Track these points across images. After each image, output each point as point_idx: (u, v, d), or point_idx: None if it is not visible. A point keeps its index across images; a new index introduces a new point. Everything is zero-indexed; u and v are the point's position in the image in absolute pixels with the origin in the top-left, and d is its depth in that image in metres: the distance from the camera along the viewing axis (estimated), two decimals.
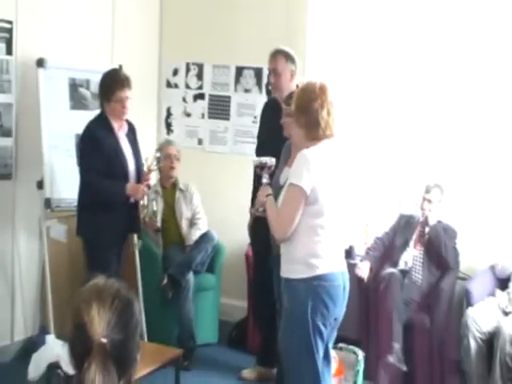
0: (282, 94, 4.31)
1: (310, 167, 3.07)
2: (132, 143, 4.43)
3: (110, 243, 4.31)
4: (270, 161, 3.51)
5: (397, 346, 4.47)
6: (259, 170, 3.51)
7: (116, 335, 1.55)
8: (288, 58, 4.46)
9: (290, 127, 3.50)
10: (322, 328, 3.15)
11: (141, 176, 4.40)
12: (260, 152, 4.38)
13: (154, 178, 4.84)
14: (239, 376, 4.77)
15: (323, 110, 3.12)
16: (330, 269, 3.18)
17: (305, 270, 3.13)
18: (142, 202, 4.64)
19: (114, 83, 4.23)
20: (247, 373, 4.78)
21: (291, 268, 3.17)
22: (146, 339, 4.59)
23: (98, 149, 4.19)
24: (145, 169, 4.43)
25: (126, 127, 4.41)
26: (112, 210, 4.26)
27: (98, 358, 1.51)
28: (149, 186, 4.46)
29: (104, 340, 1.52)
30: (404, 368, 4.47)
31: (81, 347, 1.54)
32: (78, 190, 4.36)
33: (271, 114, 4.37)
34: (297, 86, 4.32)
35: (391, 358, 4.45)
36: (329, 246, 3.19)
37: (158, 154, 4.74)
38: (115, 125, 4.32)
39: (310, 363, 3.17)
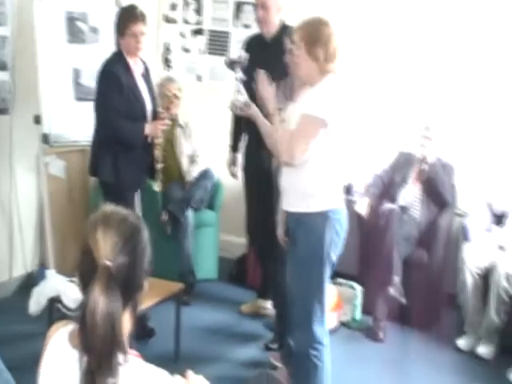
0: (270, 29, 4.23)
1: (328, 98, 3.06)
2: (147, 82, 4.33)
3: (129, 186, 4.23)
4: (240, 56, 3.49)
5: (397, 279, 4.52)
6: (231, 67, 3.50)
7: (121, 259, 1.55)
8: None
9: (298, 64, 3.42)
10: (334, 259, 3.21)
11: (157, 116, 4.31)
12: (248, 90, 4.33)
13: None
14: (239, 310, 4.84)
15: (338, 43, 3.10)
16: (341, 202, 3.23)
17: (322, 203, 3.14)
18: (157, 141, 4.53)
19: (128, 17, 4.13)
20: (246, 307, 4.86)
21: (306, 202, 3.16)
22: None
23: (117, 88, 4.06)
24: (159, 109, 4.38)
25: (141, 66, 4.30)
26: (132, 152, 4.16)
27: (101, 280, 1.51)
28: (165, 125, 4.35)
29: (108, 262, 1.53)
30: (404, 301, 4.52)
31: (87, 270, 1.55)
32: (93, 129, 4.22)
33: (257, 51, 4.23)
34: (280, 21, 4.25)
35: (392, 291, 4.51)
36: (339, 179, 3.23)
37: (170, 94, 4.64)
38: (131, 62, 4.22)
39: (320, 293, 3.22)
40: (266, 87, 3.32)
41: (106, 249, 1.54)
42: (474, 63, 5.06)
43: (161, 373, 1.61)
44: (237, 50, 3.39)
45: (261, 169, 4.18)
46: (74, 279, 3.94)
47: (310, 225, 3.17)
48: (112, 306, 1.51)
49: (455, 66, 5.12)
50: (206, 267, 5.35)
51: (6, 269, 4.81)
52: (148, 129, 4.16)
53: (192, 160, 5.38)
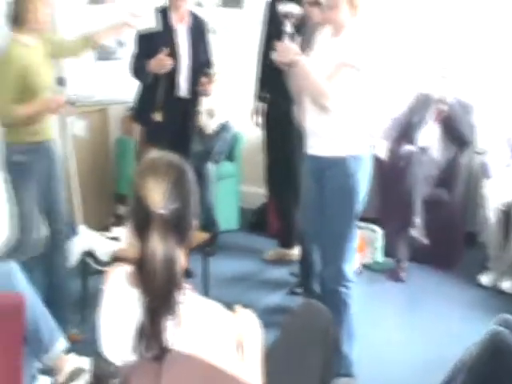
0: None
1: (360, 45, 3.11)
2: (195, 39, 4.35)
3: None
4: (294, 9, 3.45)
5: (417, 219, 4.56)
6: (283, 18, 3.47)
7: (173, 204, 1.61)
8: None
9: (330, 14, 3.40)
10: (362, 199, 3.29)
11: (196, 74, 4.33)
12: (266, 58, 4.34)
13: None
14: (262, 257, 4.93)
15: None
16: (368, 146, 3.32)
17: (355, 147, 3.21)
18: None
19: None
20: (270, 254, 4.95)
21: (340, 145, 3.22)
22: None
23: (146, 39, 4.15)
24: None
25: (189, 20, 4.32)
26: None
27: (157, 228, 1.58)
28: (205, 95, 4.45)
29: (162, 210, 1.59)
30: (425, 241, 4.57)
31: (141, 219, 1.61)
32: None
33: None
34: None
35: (413, 232, 4.55)
36: (368, 124, 3.30)
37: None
38: (174, 17, 4.26)
39: (350, 232, 3.31)
40: (288, 48, 3.20)
41: (158, 197, 1.60)
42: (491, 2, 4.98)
43: (216, 306, 1.69)
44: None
45: (283, 114, 4.23)
46: (104, 234, 4.09)
47: (342, 167, 3.22)
48: (170, 251, 1.58)
49: (472, 4, 5.05)
50: (228, 218, 5.43)
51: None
52: (152, 64, 4.16)
53: (210, 113, 5.42)
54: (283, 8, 3.39)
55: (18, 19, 3.43)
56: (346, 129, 3.20)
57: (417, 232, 4.57)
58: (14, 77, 3.38)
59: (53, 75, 3.62)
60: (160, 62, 4.14)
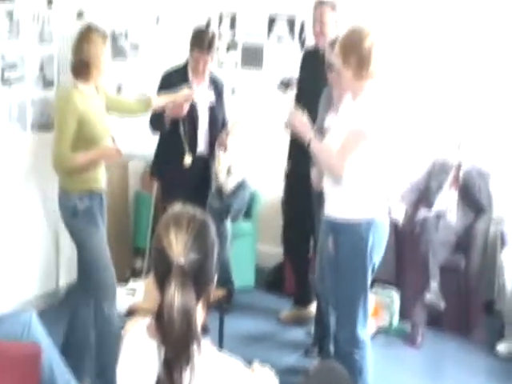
0: (326, 43, 4.37)
1: (371, 112, 3.16)
2: (212, 99, 4.46)
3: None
4: (290, 78, 3.59)
5: (434, 284, 4.56)
6: (283, 89, 3.59)
7: (193, 256, 1.65)
8: (333, 7, 4.50)
9: (337, 80, 3.53)
10: (375, 266, 3.31)
11: (214, 132, 4.46)
12: (300, 99, 4.48)
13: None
14: (278, 318, 4.92)
15: (373, 47, 3.17)
16: (384, 210, 3.35)
17: (367, 211, 3.24)
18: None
19: (195, 42, 4.30)
20: (285, 315, 4.93)
21: (352, 209, 3.25)
22: None
23: (165, 86, 4.24)
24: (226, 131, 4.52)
25: (207, 82, 4.45)
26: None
27: (177, 278, 1.61)
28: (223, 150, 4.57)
29: (182, 261, 1.63)
30: (442, 305, 4.55)
31: (162, 269, 1.65)
32: None
33: (312, 62, 4.43)
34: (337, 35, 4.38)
35: (429, 296, 4.55)
36: (383, 187, 3.32)
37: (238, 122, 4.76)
38: (194, 77, 4.38)
39: (363, 296, 3.31)
40: (299, 121, 3.34)
41: (179, 248, 1.64)
42: (508, 68, 5.10)
43: (234, 362, 1.70)
44: (286, 71, 3.49)
45: (304, 175, 4.30)
46: (121, 286, 4.10)
47: (354, 231, 3.25)
48: (187, 302, 1.61)
49: (490, 72, 5.16)
50: (244, 276, 5.44)
51: (53, 278, 4.97)
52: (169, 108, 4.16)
53: (228, 171, 5.50)
54: (280, 80, 3.54)
55: (84, 69, 3.52)
56: (359, 193, 3.23)
57: (433, 297, 4.57)
58: (74, 124, 3.45)
59: (109, 127, 3.70)
60: (178, 107, 4.18)
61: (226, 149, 4.57)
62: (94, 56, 3.50)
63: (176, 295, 1.60)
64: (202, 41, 4.27)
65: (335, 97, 3.86)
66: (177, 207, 1.75)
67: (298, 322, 4.86)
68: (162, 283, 1.64)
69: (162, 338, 1.62)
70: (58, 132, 3.50)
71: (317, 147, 3.26)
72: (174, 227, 1.67)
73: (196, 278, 1.64)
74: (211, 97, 4.46)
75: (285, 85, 3.61)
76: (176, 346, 1.60)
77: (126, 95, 4.98)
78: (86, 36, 3.53)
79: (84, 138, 3.49)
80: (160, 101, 4.08)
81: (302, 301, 4.91)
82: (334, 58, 3.41)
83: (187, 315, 1.60)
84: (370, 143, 3.16)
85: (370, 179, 3.24)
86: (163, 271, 1.64)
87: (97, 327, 3.67)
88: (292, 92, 3.54)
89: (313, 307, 4.66)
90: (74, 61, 3.56)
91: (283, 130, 3.80)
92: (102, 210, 3.69)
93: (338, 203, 3.31)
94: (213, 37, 4.34)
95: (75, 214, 3.55)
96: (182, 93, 4.14)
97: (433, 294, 4.55)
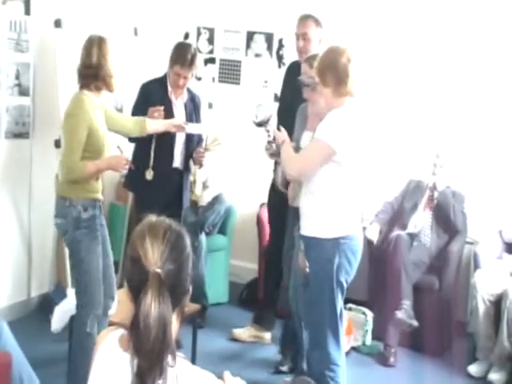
0: None
1: (341, 127, 3.16)
2: (190, 113, 4.48)
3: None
4: (266, 116, 3.67)
5: (407, 302, 4.56)
6: (260, 126, 3.69)
7: (169, 266, 1.63)
8: (317, 23, 4.52)
9: (312, 96, 3.56)
10: (345, 285, 3.28)
11: (190, 147, 4.48)
12: (282, 114, 4.49)
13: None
14: (230, 336, 4.82)
15: (350, 64, 3.19)
16: (355, 229, 3.30)
17: (334, 230, 3.23)
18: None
19: (177, 57, 4.30)
20: (240, 333, 4.84)
21: (318, 228, 3.25)
22: None
23: (146, 102, 4.24)
24: (202, 146, 4.53)
25: (185, 96, 4.46)
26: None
27: (153, 286, 1.59)
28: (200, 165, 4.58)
29: (158, 270, 1.61)
30: (415, 323, 4.53)
31: (137, 279, 1.63)
32: None
33: (294, 78, 4.41)
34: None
35: (399, 314, 4.53)
36: (353, 207, 3.30)
37: (218, 138, 4.76)
38: (172, 91, 4.39)
39: (332, 316, 3.29)
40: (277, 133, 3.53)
41: (155, 257, 1.62)
42: (484, 91, 5.16)
43: (206, 374, 1.68)
44: (262, 110, 3.61)
45: (283, 203, 4.28)
46: None
47: (320, 250, 3.25)
48: (163, 310, 1.59)
49: (465, 93, 5.22)
50: (217, 291, 5.40)
51: (24, 289, 4.88)
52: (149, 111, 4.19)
53: (204, 185, 5.47)
54: (256, 118, 3.66)
55: (98, 80, 3.49)
56: (330, 211, 3.23)
57: (404, 315, 4.55)
58: (85, 132, 3.42)
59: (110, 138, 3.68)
60: (154, 110, 4.20)
61: (201, 166, 4.60)
62: (107, 65, 3.48)
63: (153, 304, 1.57)
64: (184, 57, 4.28)
65: (310, 113, 3.88)
66: (152, 218, 1.73)
67: (254, 341, 4.80)
68: (137, 293, 1.61)
69: (136, 349, 1.59)
70: (68, 140, 3.47)
71: (283, 148, 3.36)
72: (149, 236, 1.66)
73: (171, 288, 1.62)
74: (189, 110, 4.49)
75: (260, 124, 3.69)
76: (150, 356, 1.57)
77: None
78: (96, 44, 3.51)
79: (89, 147, 3.47)
80: (154, 126, 4.07)
81: (262, 320, 4.83)
82: (310, 75, 3.44)
83: (163, 324, 1.58)
84: (339, 158, 3.15)
85: (340, 197, 3.24)
86: (139, 280, 1.62)
87: (74, 340, 3.60)
88: (268, 127, 3.64)
89: (268, 335, 4.72)
90: (84, 69, 3.52)
91: (264, 152, 3.85)
92: (102, 220, 3.67)
93: (309, 220, 3.31)
94: (195, 53, 4.35)
95: (78, 222, 3.49)
96: (176, 122, 4.20)
97: (404, 312, 4.54)
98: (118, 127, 3.86)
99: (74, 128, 3.44)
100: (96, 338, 1.84)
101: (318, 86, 3.32)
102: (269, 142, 3.73)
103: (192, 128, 4.37)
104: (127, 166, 3.60)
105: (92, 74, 3.49)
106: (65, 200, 3.52)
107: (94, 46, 3.51)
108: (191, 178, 4.96)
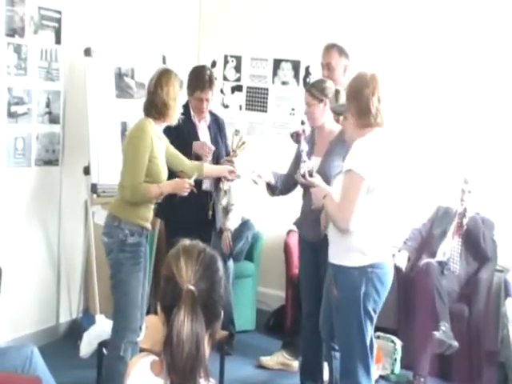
0: None
1: (367, 154, 3.14)
2: (215, 134, 4.50)
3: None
4: (303, 129, 3.67)
5: (445, 324, 4.46)
6: (295, 140, 3.67)
7: (202, 285, 1.64)
8: (342, 52, 4.53)
9: (345, 124, 3.54)
10: (373, 314, 3.24)
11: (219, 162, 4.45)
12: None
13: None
14: (258, 363, 4.79)
15: (374, 97, 3.16)
16: (384, 257, 3.27)
17: (361, 259, 3.20)
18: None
19: (196, 82, 4.32)
20: (268, 360, 4.80)
21: (346, 256, 3.22)
22: None
23: (174, 129, 4.22)
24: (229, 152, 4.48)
25: (208, 119, 4.49)
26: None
27: (186, 303, 1.60)
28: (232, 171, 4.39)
29: (192, 287, 1.62)
30: (455, 344, 4.40)
31: (170, 296, 1.64)
32: None
33: None
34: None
35: (438, 335, 4.42)
36: (382, 234, 3.27)
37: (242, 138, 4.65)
38: (196, 115, 4.42)
39: (361, 345, 3.25)
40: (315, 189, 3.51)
41: (189, 274, 1.64)
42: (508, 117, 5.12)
43: None
44: (297, 123, 3.60)
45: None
46: None
47: (347, 278, 3.23)
48: (196, 327, 1.59)
49: (493, 119, 5.18)
50: (244, 318, 5.37)
51: (53, 314, 4.92)
52: (195, 146, 4.25)
53: (226, 211, 5.44)
54: (293, 130, 3.69)
55: (158, 111, 3.57)
56: (357, 239, 3.19)
57: (443, 335, 4.43)
58: (147, 156, 3.48)
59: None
60: (203, 146, 4.26)
61: (238, 176, 4.37)
62: (172, 98, 3.56)
63: (186, 320, 1.58)
64: (202, 81, 4.30)
65: (318, 139, 3.95)
66: (186, 241, 1.76)
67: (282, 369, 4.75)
68: (169, 312, 1.62)
69: (169, 367, 1.59)
70: (132, 161, 3.53)
71: (326, 202, 3.29)
72: (184, 256, 1.68)
73: (204, 308, 1.63)
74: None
75: (297, 135, 3.70)
76: (183, 373, 1.58)
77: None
78: (165, 77, 3.59)
79: (148, 172, 3.52)
80: (210, 172, 4.13)
81: (292, 347, 4.77)
82: (343, 103, 3.45)
83: (196, 340, 1.58)
84: (368, 185, 3.12)
85: (368, 224, 3.20)
86: (172, 298, 1.63)
87: (105, 363, 3.61)
88: (303, 142, 3.63)
89: (296, 363, 4.63)
90: (151, 100, 3.59)
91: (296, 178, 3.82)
92: (147, 249, 3.68)
93: (336, 248, 3.29)
94: (211, 73, 4.39)
95: (123, 246, 3.52)
96: (230, 168, 4.19)
97: (443, 333, 4.42)
98: (176, 164, 3.87)
99: (137, 149, 3.50)
100: (128, 364, 1.84)
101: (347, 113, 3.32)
102: (303, 161, 3.70)
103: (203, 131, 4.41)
104: (189, 190, 3.62)
105: (149, 101, 3.59)
106: (114, 219, 3.55)
107: (157, 74, 3.62)
108: (221, 202, 4.90)
